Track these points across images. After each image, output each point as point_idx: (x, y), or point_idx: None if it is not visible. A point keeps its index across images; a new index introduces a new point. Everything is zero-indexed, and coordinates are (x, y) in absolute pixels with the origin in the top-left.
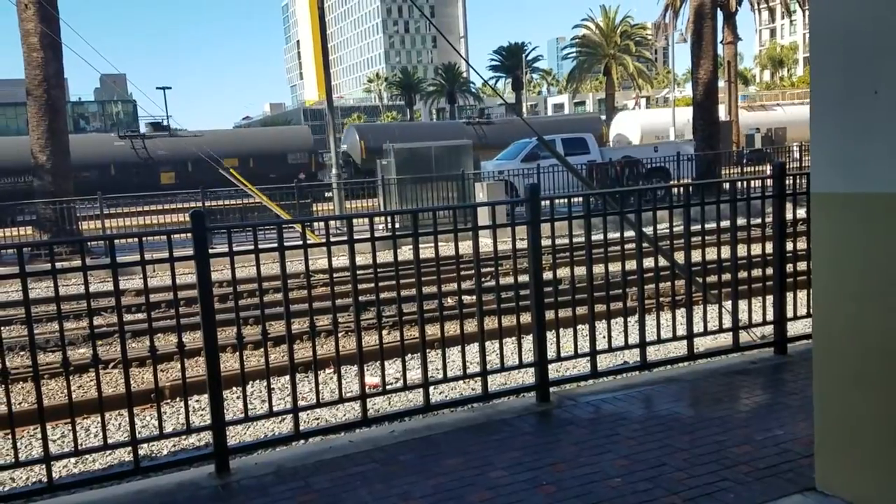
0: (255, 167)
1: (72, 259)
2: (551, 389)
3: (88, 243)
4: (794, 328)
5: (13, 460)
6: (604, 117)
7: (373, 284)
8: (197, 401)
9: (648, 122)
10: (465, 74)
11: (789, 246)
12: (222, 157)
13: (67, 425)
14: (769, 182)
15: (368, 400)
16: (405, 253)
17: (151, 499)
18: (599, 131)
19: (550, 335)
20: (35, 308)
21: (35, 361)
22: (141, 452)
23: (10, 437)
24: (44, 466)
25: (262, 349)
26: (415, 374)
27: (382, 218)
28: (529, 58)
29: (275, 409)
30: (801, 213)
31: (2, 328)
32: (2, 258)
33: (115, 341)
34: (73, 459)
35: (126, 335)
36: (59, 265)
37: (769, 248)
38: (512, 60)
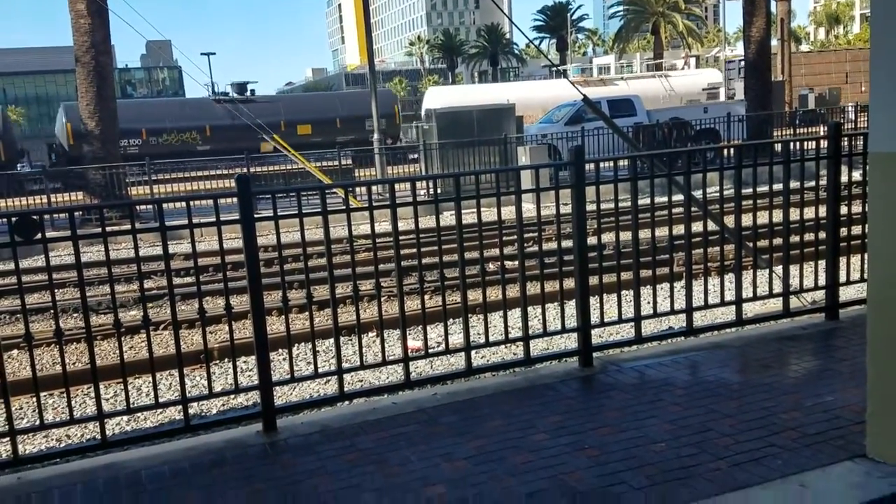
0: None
1: (121, 223)
2: (594, 354)
3: (137, 209)
4: (846, 293)
5: (68, 417)
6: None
7: (415, 250)
8: (244, 362)
9: (457, 100)
10: (507, 36)
11: (843, 209)
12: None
13: (120, 385)
14: (823, 143)
15: (411, 363)
16: (447, 218)
17: (201, 456)
18: (392, 108)
19: (594, 301)
20: (87, 271)
21: (88, 322)
22: (191, 411)
23: (65, 395)
24: (98, 424)
25: (307, 312)
26: (457, 339)
27: (424, 183)
28: (574, 17)
29: (320, 370)
30: (857, 175)
31: (56, 290)
32: (55, 223)
33: (165, 303)
34: (125, 417)
35: (175, 298)
36: (109, 229)
37: (822, 211)
38: (556, 20)
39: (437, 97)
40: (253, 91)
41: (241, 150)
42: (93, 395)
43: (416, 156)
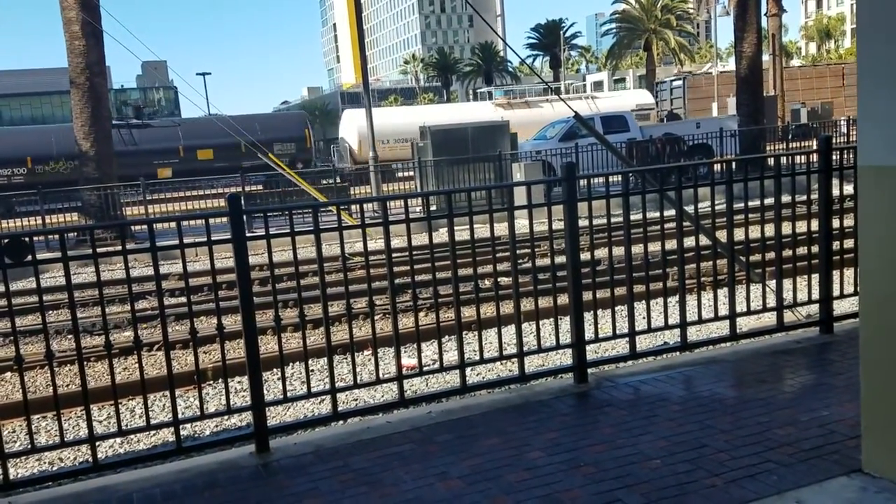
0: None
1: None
2: (589, 370)
3: (132, 230)
4: (840, 307)
5: (60, 440)
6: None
7: (408, 267)
8: (238, 382)
9: (375, 123)
10: (501, 54)
11: (835, 223)
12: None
13: (112, 407)
14: (815, 157)
15: (405, 381)
16: (441, 235)
17: (194, 478)
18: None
19: (588, 316)
20: (80, 293)
21: (79, 344)
22: (183, 433)
23: (57, 418)
24: (89, 447)
25: (300, 331)
26: (451, 356)
27: (418, 200)
28: (567, 35)
29: (313, 389)
30: (848, 188)
31: (49, 312)
32: (50, 244)
33: (158, 324)
34: (117, 440)
35: (168, 318)
36: (101, 250)
37: (814, 225)
38: (550, 38)
39: (352, 121)
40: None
41: (138, 176)
42: (85, 417)
43: (330, 181)
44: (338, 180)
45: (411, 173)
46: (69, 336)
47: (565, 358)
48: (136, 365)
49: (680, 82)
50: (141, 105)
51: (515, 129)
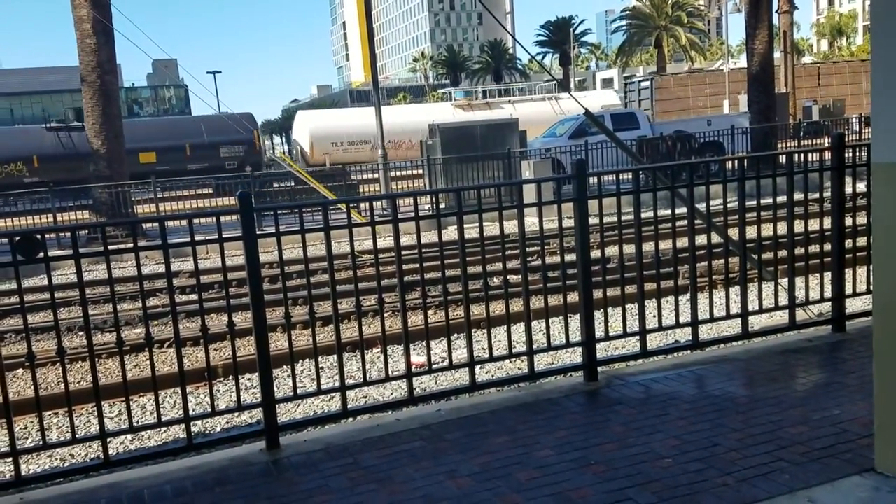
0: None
1: (127, 242)
2: (599, 369)
3: (143, 228)
4: (852, 305)
5: (71, 437)
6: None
7: (418, 265)
8: (249, 379)
9: (325, 125)
10: (511, 51)
11: (848, 221)
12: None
13: (123, 403)
14: (827, 154)
15: (414, 379)
16: (450, 233)
17: (204, 474)
18: (250, 134)
19: (598, 314)
20: (92, 290)
21: (90, 341)
22: (194, 429)
23: (68, 414)
24: (100, 443)
25: (310, 328)
26: (460, 354)
27: (428, 198)
28: (577, 32)
29: (323, 387)
30: (861, 186)
31: (61, 309)
32: (61, 241)
33: (169, 321)
34: (128, 436)
35: (179, 315)
36: (112, 247)
37: (827, 222)
38: (559, 35)
39: (305, 123)
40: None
41: (75, 180)
42: (96, 414)
43: (285, 184)
44: (292, 184)
45: (416, 171)
46: (80, 333)
47: (575, 356)
48: (148, 362)
49: (648, 83)
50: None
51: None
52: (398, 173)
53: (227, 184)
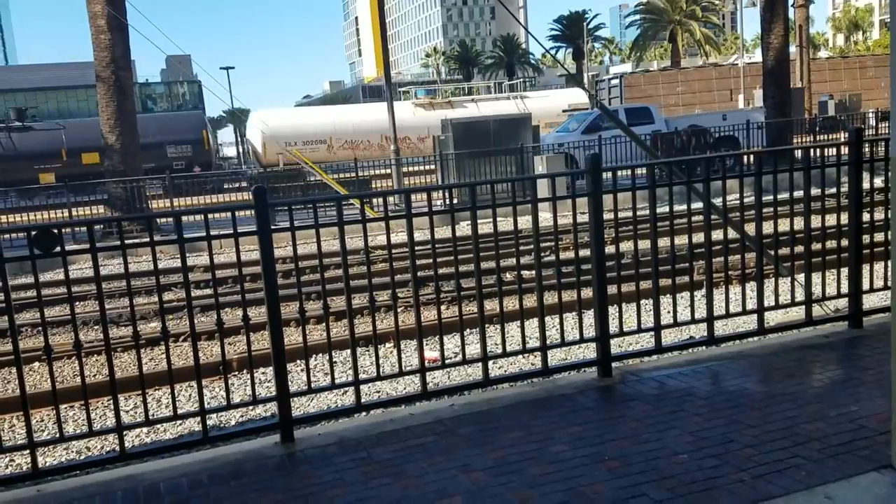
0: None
1: (142, 236)
2: (613, 364)
3: (157, 222)
4: (869, 301)
5: (88, 430)
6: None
7: (431, 260)
8: (263, 373)
9: (279, 123)
10: (524, 46)
11: (865, 216)
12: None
13: (139, 396)
14: (844, 150)
15: (428, 374)
16: (463, 229)
17: (220, 467)
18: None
19: (612, 310)
20: (108, 284)
21: (107, 335)
22: (209, 423)
23: (84, 407)
24: (117, 436)
25: (324, 323)
26: (473, 349)
27: (440, 194)
28: (591, 26)
29: (337, 381)
30: (879, 182)
31: (77, 303)
32: (76, 236)
33: (184, 315)
34: (144, 429)
35: (194, 309)
36: (128, 241)
37: (844, 218)
38: (573, 30)
39: (257, 123)
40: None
41: (17, 182)
42: (112, 407)
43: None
44: (242, 184)
45: (428, 167)
46: (96, 326)
47: (588, 352)
48: (163, 355)
49: (617, 80)
50: (23, 107)
51: (437, 130)
52: (410, 169)
53: (179, 184)
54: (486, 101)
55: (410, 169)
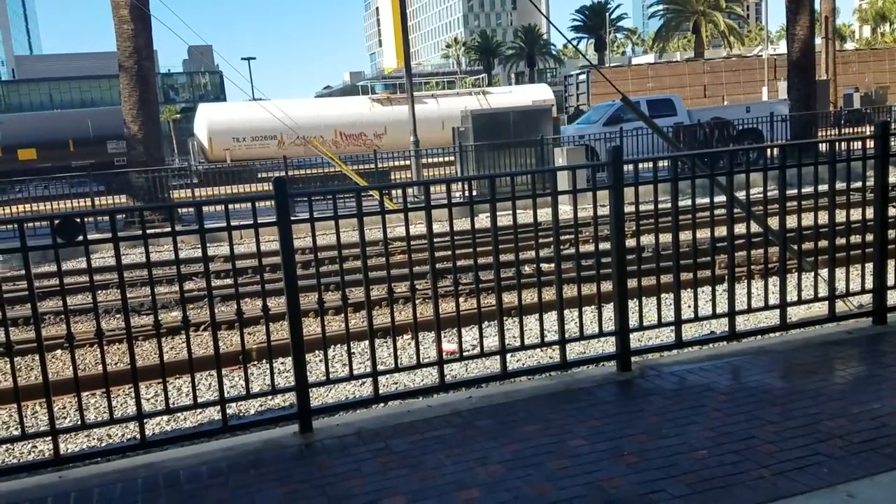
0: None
1: (163, 226)
2: (633, 359)
3: (179, 213)
4: (894, 297)
5: (109, 417)
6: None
7: (450, 252)
8: (282, 363)
9: (227, 118)
10: (545, 36)
11: (892, 211)
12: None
13: (160, 385)
14: (870, 143)
15: (445, 366)
16: (482, 221)
17: (239, 456)
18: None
19: (632, 304)
20: (129, 273)
21: (128, 323)
22: (229, 412)
23: (106, 395)
24: (137, 424)
25: (343, 314)
26: (491, 342)
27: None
28: (613, 17)
29: (355, 372)
30: None
31: (99, 292)
32: (98, 225)
33: (204, 305)
34: (164, 417)
35: (214, 299)
36: (149, 231)
37: (869, 213)
38: (595, 20)
39: (203, 117)
40: None
41: None
42: (133, 395)
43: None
44: (194, 180)
45: (447, 159)
46: (118, 315)
47: (607, 346)
48: (184, 344)
49: (584, 76)
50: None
51: (395, 126)
52: (429, 160)
53: (118, 180)
54: (446, 97)
55: (429, 161)
